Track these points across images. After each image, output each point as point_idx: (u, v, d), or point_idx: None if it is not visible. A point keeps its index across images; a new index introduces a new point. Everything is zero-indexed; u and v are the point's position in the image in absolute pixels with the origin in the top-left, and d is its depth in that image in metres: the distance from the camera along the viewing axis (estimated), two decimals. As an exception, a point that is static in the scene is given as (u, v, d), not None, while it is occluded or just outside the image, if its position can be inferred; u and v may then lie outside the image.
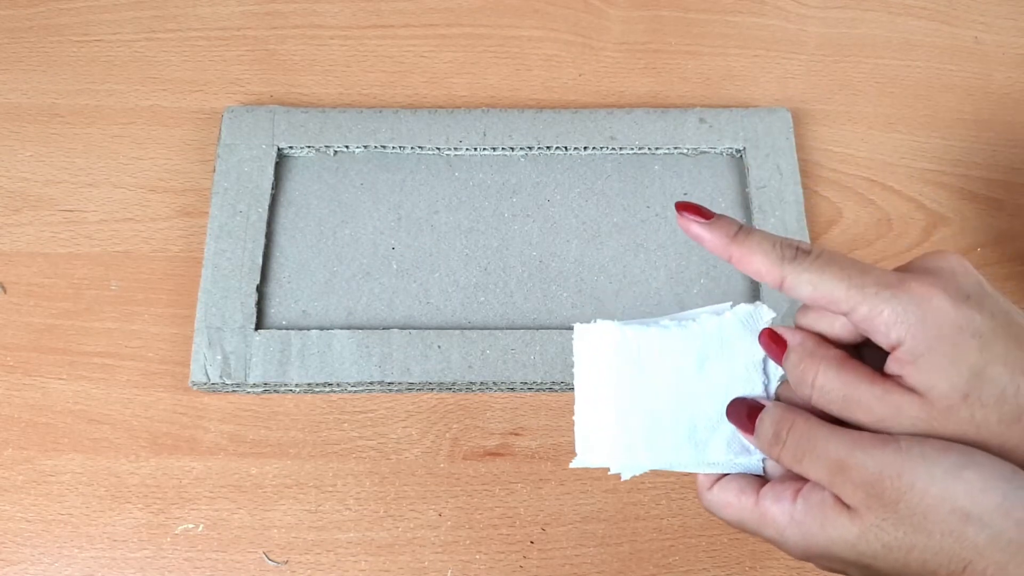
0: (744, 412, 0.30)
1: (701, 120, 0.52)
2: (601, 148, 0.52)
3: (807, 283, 0.27)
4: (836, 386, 0.27)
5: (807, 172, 0.54)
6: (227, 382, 0.45)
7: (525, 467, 0.46)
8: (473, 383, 0.46)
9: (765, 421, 0.29)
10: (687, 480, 0.46)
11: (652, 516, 0.45)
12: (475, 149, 0.52)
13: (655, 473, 0.46)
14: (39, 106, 0.54)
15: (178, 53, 0.56)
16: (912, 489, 0.25)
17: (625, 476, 0.31)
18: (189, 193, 0.52)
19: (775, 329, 0.30)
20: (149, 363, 0.48)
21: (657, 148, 0.52)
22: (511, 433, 0.47)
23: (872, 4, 0.60)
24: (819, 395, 0.27)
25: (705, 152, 0.52)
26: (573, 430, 0.46)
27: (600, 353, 0.31)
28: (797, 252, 0.28)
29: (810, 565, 0.44)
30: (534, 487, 0.46)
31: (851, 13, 0.60)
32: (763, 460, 0.30)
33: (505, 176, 0.52)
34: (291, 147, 0.51)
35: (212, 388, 0.46)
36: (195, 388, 0.46)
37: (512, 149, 0.52)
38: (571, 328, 0.47)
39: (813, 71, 0.57)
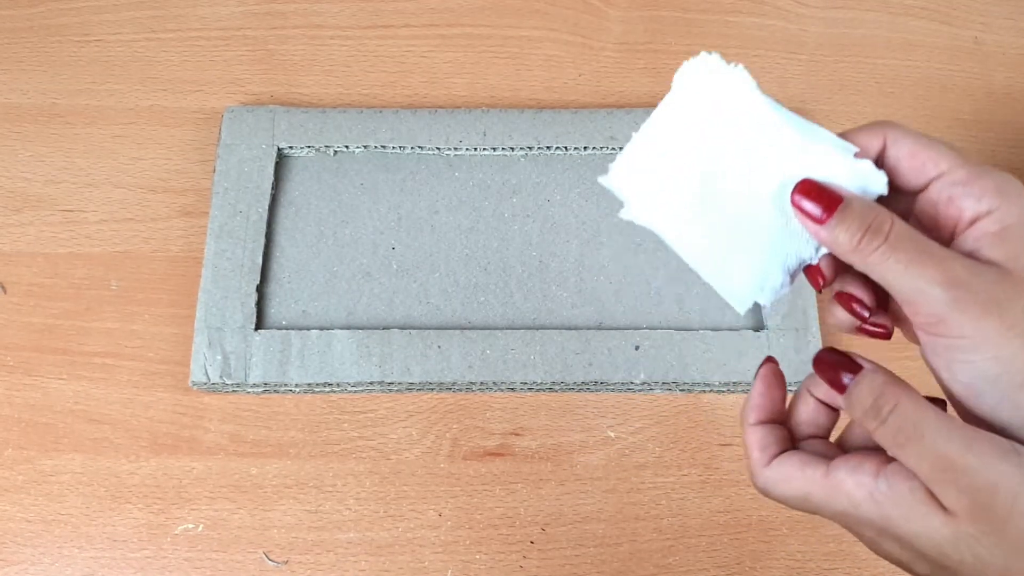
0: (837, 366, 0.27)
1: (701, 120, 0.52)
2: (601, 148, 0.52)
3: (911, 137, 0.27)
4: (910, 235, 0.25)
5: (807, 172, 0.53)
6: (227, 382, 0.45)
7: (525, 467, 0.46)
8: (473, 383, 0.46)
9: (862, 387, 0.25)
10: (687, 481, 0.46)
11: (652, 516, 0.45)
12: (475, 149, 0.52)
13: (655, 474, 0.46)
14: (39, 106, 0.54)
15: (178, 53, 0.56)
16: None
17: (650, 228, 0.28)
18: (189, 193, 0.52)
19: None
20: (149, 363, 0.48)
21: (657, 148, 0.52)
22: (511, 433, 0.47)
23: (872, 4, 0.60)
24: (889, 247, 0.25)
25: (705, 152, 0.52)
26: (575, 422, 0.47)
27: (704, 100, 0.27)
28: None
29: (811, 565, 0.44)
30: (534, 487, 0.46)
31: (851, 13, 0.59)
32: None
33: (505, 176, 0.52)
34: (291, 147, 0.51)
35: (212, 388, 0.46)
36: (195, 388, 0.46)
37: (512, 149, 0.52)
38: (571, 328, 0.48)
39: (813, 71, 0.57)
